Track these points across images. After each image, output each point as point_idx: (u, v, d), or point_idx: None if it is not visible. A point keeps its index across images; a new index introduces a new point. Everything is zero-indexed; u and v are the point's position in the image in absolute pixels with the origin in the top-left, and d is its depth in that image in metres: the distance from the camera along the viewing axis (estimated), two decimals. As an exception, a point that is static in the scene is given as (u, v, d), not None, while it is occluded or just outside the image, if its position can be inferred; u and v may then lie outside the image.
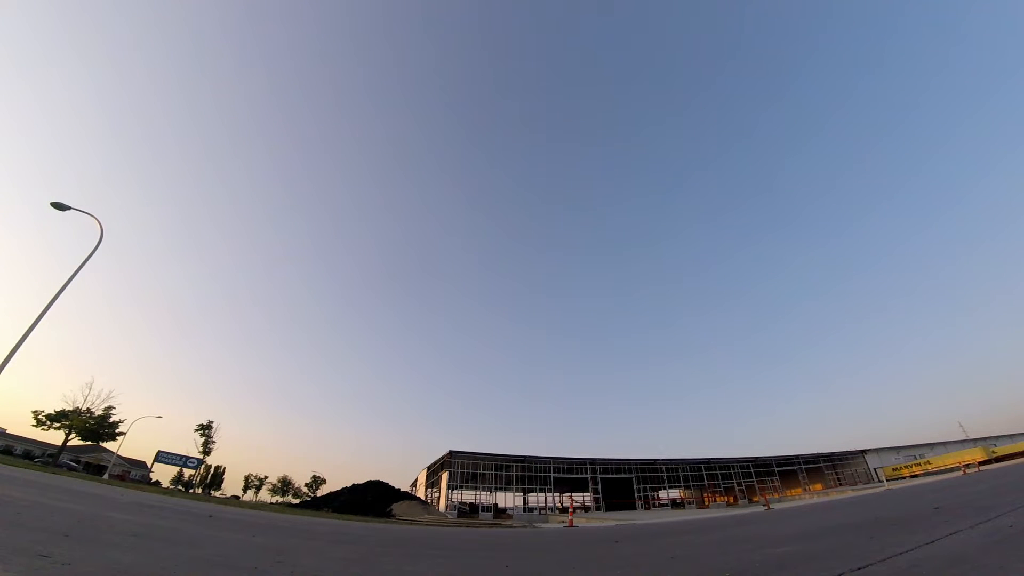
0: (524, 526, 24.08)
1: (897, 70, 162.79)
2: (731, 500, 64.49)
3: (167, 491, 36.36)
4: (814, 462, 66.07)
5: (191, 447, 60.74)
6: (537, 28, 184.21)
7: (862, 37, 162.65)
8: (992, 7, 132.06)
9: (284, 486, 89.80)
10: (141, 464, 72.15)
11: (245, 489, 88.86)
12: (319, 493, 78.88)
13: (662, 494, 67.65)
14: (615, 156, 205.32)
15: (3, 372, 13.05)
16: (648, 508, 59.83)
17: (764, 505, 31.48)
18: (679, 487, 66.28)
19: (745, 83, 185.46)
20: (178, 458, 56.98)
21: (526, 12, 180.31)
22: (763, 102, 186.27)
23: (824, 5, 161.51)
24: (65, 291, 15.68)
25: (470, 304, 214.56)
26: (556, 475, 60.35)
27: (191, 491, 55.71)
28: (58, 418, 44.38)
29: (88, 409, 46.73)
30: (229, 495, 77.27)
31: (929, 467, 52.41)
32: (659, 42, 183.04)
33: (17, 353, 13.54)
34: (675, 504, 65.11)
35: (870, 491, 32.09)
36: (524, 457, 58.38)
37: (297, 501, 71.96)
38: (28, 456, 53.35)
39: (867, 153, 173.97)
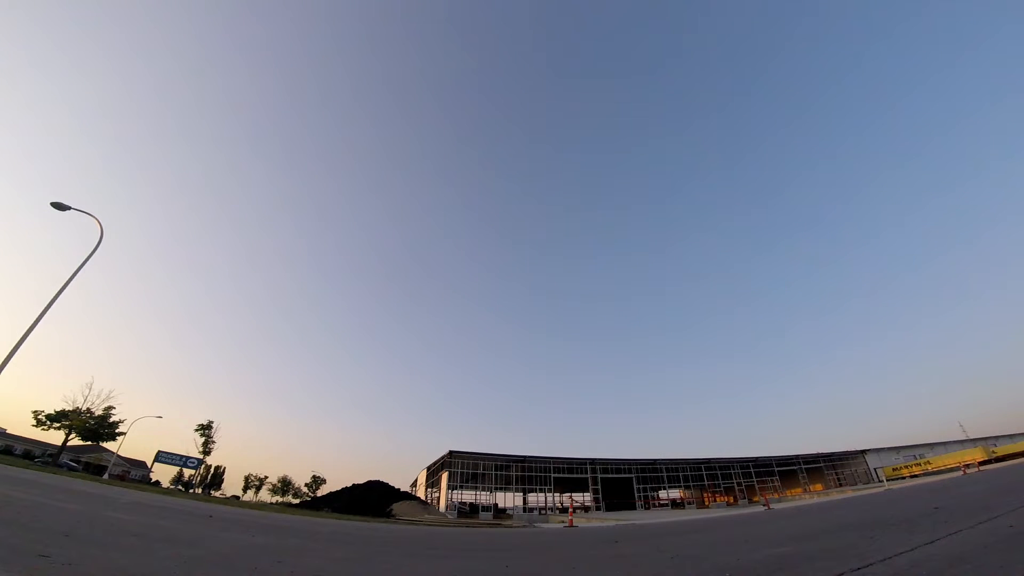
0: (524, 526, 24.10)
1: (906, 74, 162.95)
2: (731, 500, 64.51)
3: (167, 491, 36.35)
4: (814, 462, 66.09)
5: (191, 447, 60.66)
6: (537, 28, 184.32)
7: (874, 41, 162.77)
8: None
9: (284, 486, 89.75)
10: (141, 464, 72.11)
11: (245, 489, 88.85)
12: (319, 493, 78.87)
13: (662, 494, 67.65)
14: (619, 160, 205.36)
15: (3, 372, 13.05)
16: (648, 508, 59.85)
17: (764, 505, 31.51)
18: (679, 487, 66.25)
19: (750, 85, 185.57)
20: (178, 458, 56.92)
21: (526, 14, 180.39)
22: (769, 106, 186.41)
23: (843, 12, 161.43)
24: (65, 291, 15.68)
25: (470, 306, 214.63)
26: (556, 475, 60.35)
27: (191, 491, 55.69)
28: (58, 418, 44.30)
29: (88, 409, 46.65)
30: (229, 495, 77.26)
31: (929, 467, 52.40)
32: (664, 43, 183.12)
33: (17, 353, 13.54)
34: (675, 504, 65.12)
35: (870, 491, 32.08)
36: (524, 457, 58.39)
37: (297, 501, 71.95)
38: (28, 456, 53.28)
39: (871, 156, 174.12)
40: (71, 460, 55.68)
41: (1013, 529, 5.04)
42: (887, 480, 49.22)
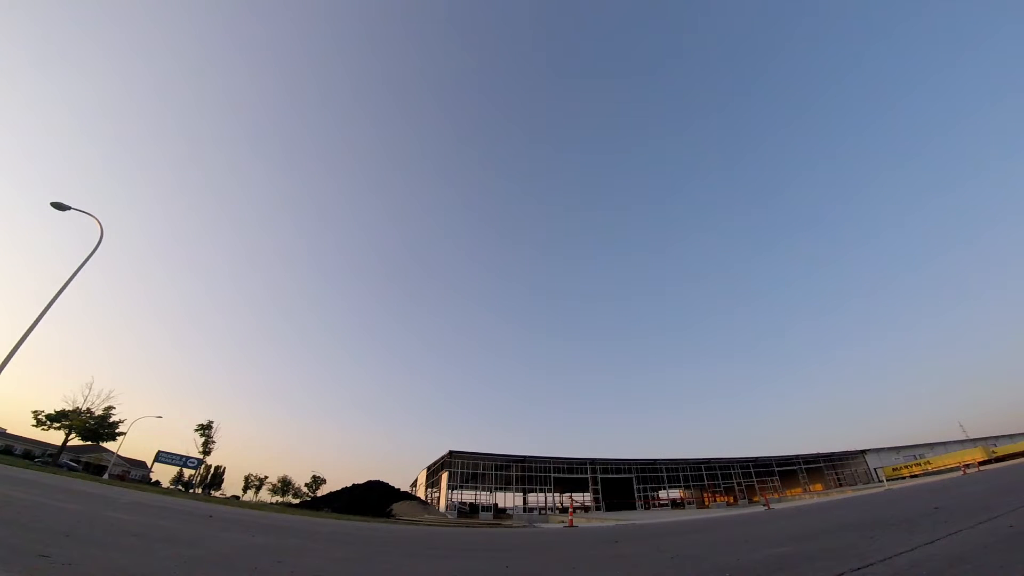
0: (524, 526, 24.10)
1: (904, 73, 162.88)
2: (731, 500, 64.51)
3: (167, 491, 36.35)
4: (814, 462, 66.10)
5: (191, 447, 60.68)
6: (537, 28, 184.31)
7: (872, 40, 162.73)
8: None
9: (284, 486, 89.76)
10: (141, 464, 72.11)
11: (245, 489, 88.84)
12: (319, 493, 78.86)
13: (662, 494, 67.66)
14: (619, 160, 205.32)
15: (3, 372, 13.05)
16: (648, 508, 59.85)
17: (764, 505, 31.51)
18: (679, 487, 66.27)
19: (750, 85, 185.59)
20: (178, 458, 56.93)
21: (526, 14, 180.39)
22: (769, 106, 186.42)
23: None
24: (65, 291, 15.68)
25: (470, 306, 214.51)
26: (556, 475, 60.35)
27: (191, 491, 55.69)
28: (58, 418, 44.29)
29: (88, 409, 46.64)
30: (229, 495, 77.27)
31: (929, 467, 52.40)
32: (664, 43, 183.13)
33: (17, 353, 13.54)
34: (675, 504, 65.12)
35: (870, 491, 32.09)
36: (524, 457, 58.38)
37: (297, 501, 71.95)
38: (28, 456, 53.27)
39: (871, 156, 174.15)
40: (71, 460, 55.67)
41: (1013, 529, 5.04)
42: (887, 480, 49.21)
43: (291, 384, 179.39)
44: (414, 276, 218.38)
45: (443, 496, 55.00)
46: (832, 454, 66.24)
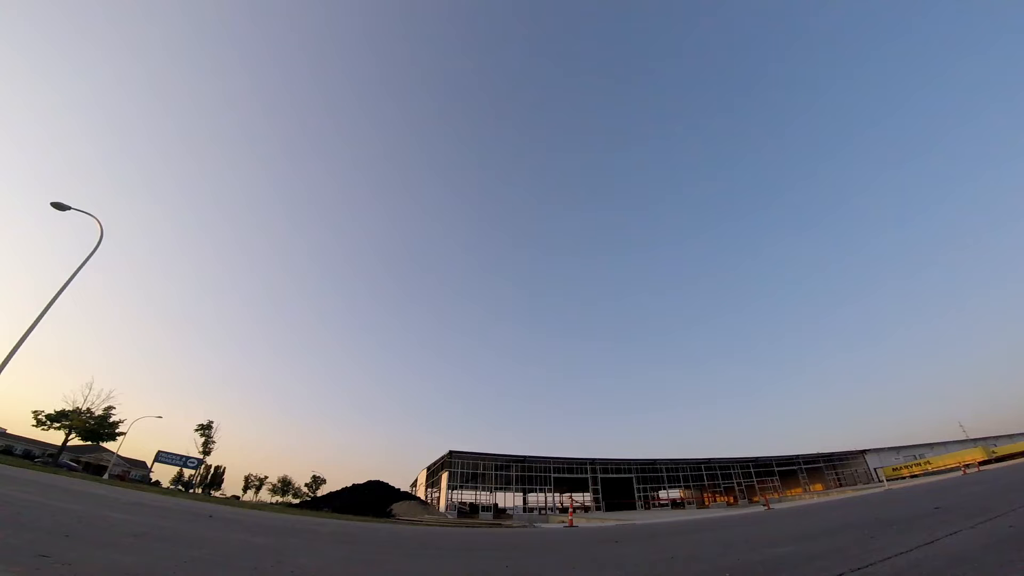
0: (524, 526, 24.07)
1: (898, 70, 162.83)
2: (731, 500, 64.49)
3: (167, 491, 36.31)
4: (814, 462, 66.07)
5: (191, 447, 60.74)
6: (537, 28, 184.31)
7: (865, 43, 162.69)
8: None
9: (284, 486, 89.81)
10: (141, 464, 72.06)
11: (245, 489, 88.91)
12: (319, 493, 78.93)
13: (662, 494, 67.63)
14: (619, 159, 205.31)
15: (3, 372, 13.04)
16: (648, 508, 59.82)
17: (764, 505, 31.49)
18: (679, 487, 66.25)
19: (750, 85, 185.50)
20: (178, 458, 56.92)
21: (527, 13, 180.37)
22: (770, 106, 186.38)
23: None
24: (65, 291, 15.68)
25: (470, 306, 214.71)
26: (556, 475, 60.34)
27: (191, 491, 55.68)
28: (58, 418, 44.24)
29: (88, 409, 46.58)
30: (229, 495, 77.27)
31: (929, 467, 52.37)
32: (664, 43, 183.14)
33: (17, 353, 13.54)
34: (675, 504, 65.10)
35: (870, 491, 32.07)
36: (524, 457, 58.36)
37: (297, 501, 71.94)
38: (28, 456, 53.19)
39: (871, 156, 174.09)
40: (71, 460, 55.59)
41: (1013, 529, 5.04)
42: (887, 480, 49.14)
43: (291, 384, 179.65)
44: (413, 276, 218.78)
45: (443, 496, 54.98)
46: (832, 454, 66.22)
